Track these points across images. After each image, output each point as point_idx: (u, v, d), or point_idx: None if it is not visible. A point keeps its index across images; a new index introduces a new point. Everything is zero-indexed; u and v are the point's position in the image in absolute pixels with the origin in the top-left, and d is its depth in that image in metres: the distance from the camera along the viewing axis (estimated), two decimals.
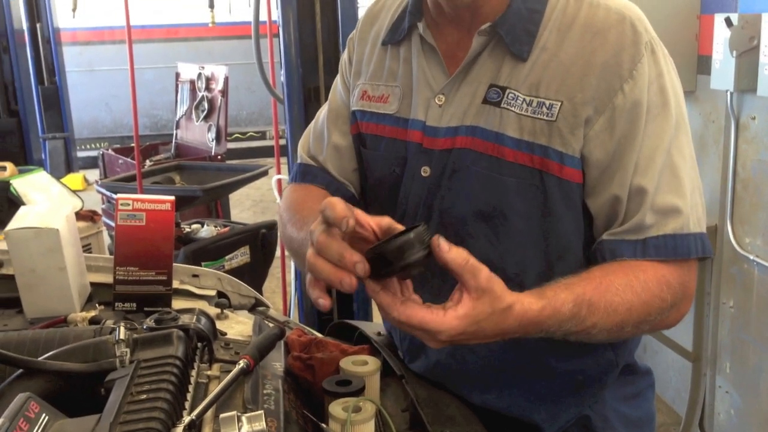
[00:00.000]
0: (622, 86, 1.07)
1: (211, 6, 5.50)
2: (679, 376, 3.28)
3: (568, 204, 1.12)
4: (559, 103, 1.09)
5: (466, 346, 1.19)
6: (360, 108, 1.31)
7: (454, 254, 0.89)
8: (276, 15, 2.87)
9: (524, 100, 1.11)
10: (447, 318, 0.90)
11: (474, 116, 1.15)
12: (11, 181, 3.12)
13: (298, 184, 1.38)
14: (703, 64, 2.86)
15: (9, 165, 3.43)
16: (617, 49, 1.08)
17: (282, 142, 3.64)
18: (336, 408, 1.04)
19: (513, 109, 1.12)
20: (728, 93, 2.70)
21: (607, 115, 1.08)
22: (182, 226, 3.89)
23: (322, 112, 1.41)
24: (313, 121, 1.43)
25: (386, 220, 0.94)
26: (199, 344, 1.17)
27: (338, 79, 1.40)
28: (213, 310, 1.48)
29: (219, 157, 5.31)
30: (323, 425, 1.03)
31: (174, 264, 1.52)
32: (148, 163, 5.20)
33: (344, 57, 1.38)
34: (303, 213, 1.23)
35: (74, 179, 7.48)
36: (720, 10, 2.69)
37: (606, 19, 1.10)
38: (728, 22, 2.54)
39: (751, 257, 2.71)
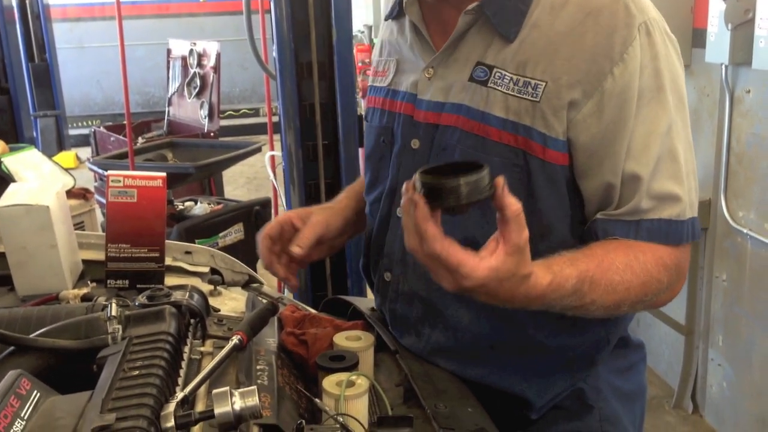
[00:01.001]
0: (612, 70, 1.05)
1: None
2: (671, 350, 3.30)
3: (552, 186, 1.10)
4: (544, 84, 1.07)
5: (458, 323, 1.20)
6: (370, 84, 1.35)
7: (513, 199, 0.90)
8: None
9: (511, 79, 1.10)
10: (481, 265, 0.91)
11: (459, 94, 1.15)
12: (2, 159, 3.10)
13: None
14: (698, 38, 2.84)
15: (0, 143, 3.41)
16: (609, 31, 1.05)
17: (275, 119, 3.62)
18: (330, 383, 1.04)
19: (500, 88, 1.10)
20: (723, 66, 2.69)
21: (595, 99, 1.06)
22: (175, 203, 3.88)
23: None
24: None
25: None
26: (192, 321, 1.17)
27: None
28: (206, 287, 1.48)
29: (212, 134, 5.29)
30: (317, 400, 1.03)
31: (167, 241, 1.51)
32: (140, 140, 5.18)
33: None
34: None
35: (66, 157, 7.44)
36: None
37: (600, 0, 1.07)
38: None
39: (745, 231, 2.72)
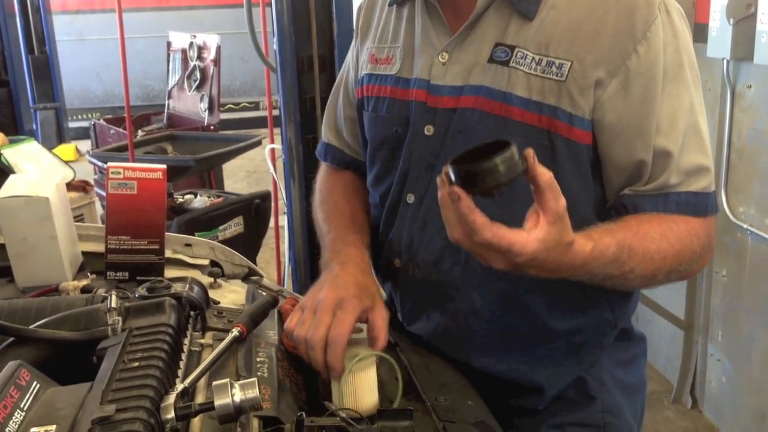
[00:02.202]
0: (636, 48, 1.06)
1: None
2: (670, 344, 3.30)
3: (576, 165, 1.11)
4: (569, 63, 1.07)
5: (468, 308, 1.20)
6: (368, 72, 1.31)
7: (544, 169, 0.91)
8: None
9: (533, 59, 1.10)
10: (530, 239, 0.92)
11: (479, 75, 1.14)
12: (2, 151, 3.09)
13: (326, 165, 1.51)
14: (699, 32, 2.83)
15: (0, 135, 3.40)
16: (630, 11, 1.06)
17: (275, 112, 3.62)
18: None
19: (522, 68, 1.10)
20: (724, 61, 2.68)
21: (620, 78, 1.07)
22: (175, 196, 3.88)
23: (339, 97, 1.45)
24: (334, 91, 1.48)
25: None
26: (192, 313, 1.16)
27: (350, 50, 1.43)
28: (206, 279, 1.47)
29: (212, 127, 5.27)
30: (327, 403, 1.04)
31: (166, 233, 1.51)
32: (140, 133, 5.17)
33: (354, 24, 1.40)
34: (328, 205, 1.41)
35: (66, 150, 7.43)
36: None
37: None
38: None
39: (745, 226, 2.72)
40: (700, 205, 1.12)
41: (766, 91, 2.58)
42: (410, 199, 1.24)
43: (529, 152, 0.90)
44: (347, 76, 1.43)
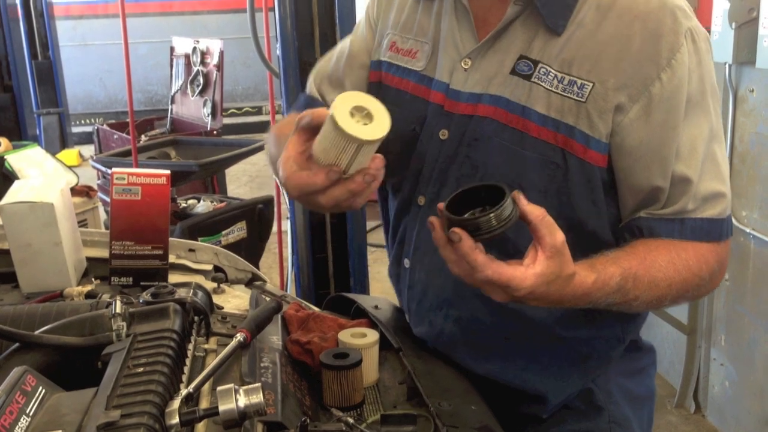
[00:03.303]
0: (660, 75, 1.05)
1: None
2: (673, 349, 3.30)
3: (588, 185, 1.11)
4: (591, 85, 1.07)
5: (473, 314, 1.20)
6: (387, 59, 1.29)
7: (532, 207, 0.94)
8: None
9: (555, 76, 1.09)
10: (528, 274, 0.94)
11: (499, 86, 1.13)
12: (6, 157, 3.11)
13: (294, 112, 1.32)
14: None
15: (3, 140, 3.42)
16: (656, 37, 1.06)
17: (278, 117, 3.62)
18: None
19: (543, 84, 1.10)
20: (727, 65, 2.68)
21: (642, 103, 1.06)
22: (178, 201, 3.88)
23: (344, 50, 1.37)
24: (329, 54, 1.40)
25: None
26: (196, 318, 1.17)
27: (363, 22, 1.37)
28: (210, 284, 1.48)
29: (215, 132, 5.28)
30: (333, 410, 1.05)
31: (170, 238, 1.51)
32: (143, 138, 5.18)
33: (372, 3, 1.36)
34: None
35: (69, 155, 7.44)
36: None
37: (647, 4, 1.07)
38: None
39: (748, 230, 2.71)
40: (715, 231, 1.12)
41: (767, 95, 2.59)
42: (421, 201, 1.23)
43: (516, 195, 0.93)
44: (360, 48, 1.35)
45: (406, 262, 1.29)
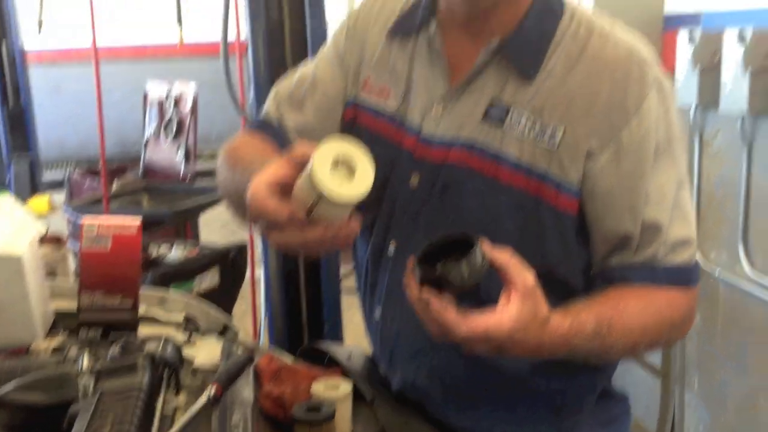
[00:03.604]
0: (629, 122, 1.08)
1: (180, 22, 5.45)
2: (648, 393, 3.29)
3: (559, 231, 1.12)
4: (562, 131, 1.09)
5: (447, 365, 1.19)
6: (361, 97, 1.27)
7: (498, 251, 0.94)
8: (245, 34, 2.86)
9: (527, 122, 1.11)
10: (504, 319, 0.93)
11: (472, 131, 1.14)
12: None
13: (251, 134, 1.31)
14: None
15: None
16: (624, 86, 1.08)
17: None
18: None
19: (516, 130, 1.11)
20: (691, 109, 2.74)
21: (612, 149, 1.08)
22: (150, 249, 3.84)
23: (307, 74, 1.32)
24: (289, 77, 1.35)
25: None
26: (166, 372, 1.15)
27: (329, 51, 1.32)
28: (180, 336, 1.46)
29: (188, 177, 5.26)
30: None
31: (141, 289, 1.50)
32: (115, 184, 5.14)
33: (344, 29, 1.31)
34: (246, 154, 1.21)
35: (40, 201, 7.36)
36: (682, 27, 2.74)
37: (614, 54, 1.10)
38: (690, 39, 2.59)
39: (716, 272, 2.75)
40: (684, 277, 1.13)
41: (732, 139, 2.64)
42: (392, 248, 1.23)
43: (483, 243, 0.93)
44: (326, 79, 1.31)
45: (378, 312, 1.28)
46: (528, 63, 1.12)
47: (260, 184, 0.94)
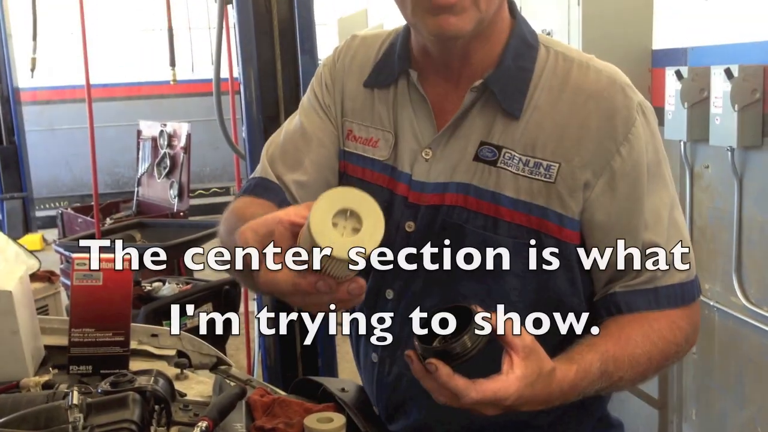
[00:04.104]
0: (619, 149, 1.09)
1: (173, 64, 5.51)
2: (646, 424, 3.27)
3: (565, 264, 1.12)
4: (557, 165, 1.09)
5: (446, 406, 1.18)
6: (349, 149, 1.25)
7: (494, 316, 0.94)
8: (237, 72, 2.89)
9: (521, 159, 1.10)
10: (510, 381, 0.94)
11: (465, 173, 1.13)
12: None
13: (249, 197, 1.25)
14: (656, 115, 2.93)
15: None
16: (610, 113, 1.09)
17: None
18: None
19: (510, 168, 1.11)
20: (681, 143, 2.77)
21: (605, 178, 1.09)
22: (143, 284, 3.82)
23: (296, 130, 1.28)
24: (275, 137, 1.31)
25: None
26: (157, 407, 1.14)
27: (311, 104, 1.29)
28: (172, 371, 1.45)
29: (181, 213, 5.27)
30: None
31: (133, 324, 1.48)
32: (108, 221, 5.13)
33: (321, 81, 1.29)
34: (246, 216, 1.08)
35: (32, 239, 7.33)
36: (670, 64, 2.78)
37: (597, 83, 1.11)
38: (678, 75, 2.62)
39: (711, 303, 2.75)
40: (687, 294, 1.14)
41: (722, 171, 2.66)
42: (389, 294, 1.22)
43: (475, 309, 0.93)
44: (314, 131, 1.27)
45: (374, 356, 1.27)
46: (512, 101, 1.11)
47: (263, 221, 0.89)
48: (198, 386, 1.42)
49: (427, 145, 1.16)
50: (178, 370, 1.46)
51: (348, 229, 0.80)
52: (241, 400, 1.20)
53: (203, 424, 1.06)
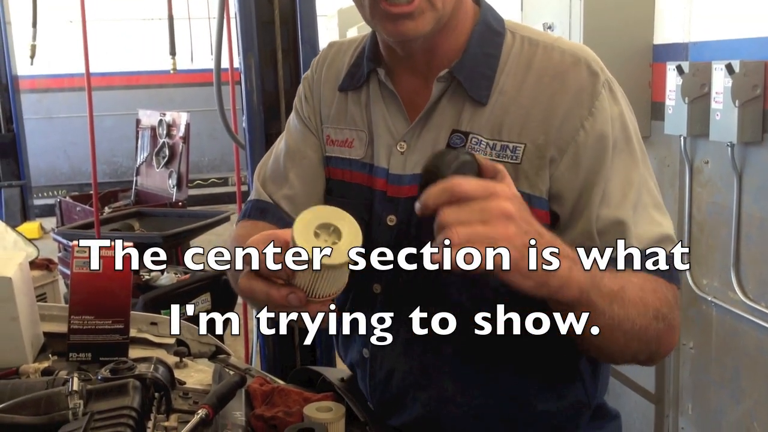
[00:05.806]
0: (583, 123, 1.09)
1: (173, 53, 5.49)
2: (642, 418, 3.28)
3: None
4: (523, 146, 1.10)
5: (442, 394, 1.18)
6: (327, 154, 1.29)
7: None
8: (238, 62, 2.88)
9: (488, 144, 1.12)
10: (507, 180, 0.90)
11: None
12: None
13: (249, 221, 1.31)
14: (656, 111, 2.93)
15: None
16: (576, 90, 1.10)
17: (244, 188, 3.63)
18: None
19: (477, 153, 1.11)
20: (681, 138, 2.77)
21: (570, 153, 1.09)
22: (141, 273, 3.83)
23: (280, 150, 1.34)
24: (265, 158, 1.37)
25: None
26: (157, 394, 1.14)
27: (293, 120, 1.35)
28: (172, 359, 1.45)
29: (180, 203, 5.26)
30: None
31: (132, 312, 1.49)
32: (106, 210, 5.13)
33: (300, 96, 1.34)
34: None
35: (30, 227, 7.33)
36: (671, 59, 2.77)
37: (561, 62, 1.11)
38: (679, 70, 2.62)
39: (709, 298, 2.75)
40: (674, 275, 1.09)
41: (722, 167, 2.66)
42: (377, 289, 1.23)
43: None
44: (298, 144, 1.32)
45: (365, 352, 1.27)
46: (479, 88, 1.12)
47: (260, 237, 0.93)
48: (197, 374, 1.42)
49: (401, 138, 1.18)
50: (178, 359, 1.46)
51: (329, 242, 0.89)
52: (240, 388, 1.20)
53: (203, 411, 1.07)
